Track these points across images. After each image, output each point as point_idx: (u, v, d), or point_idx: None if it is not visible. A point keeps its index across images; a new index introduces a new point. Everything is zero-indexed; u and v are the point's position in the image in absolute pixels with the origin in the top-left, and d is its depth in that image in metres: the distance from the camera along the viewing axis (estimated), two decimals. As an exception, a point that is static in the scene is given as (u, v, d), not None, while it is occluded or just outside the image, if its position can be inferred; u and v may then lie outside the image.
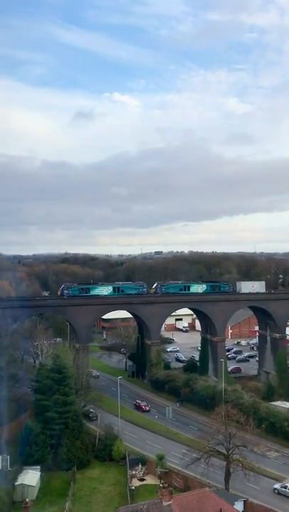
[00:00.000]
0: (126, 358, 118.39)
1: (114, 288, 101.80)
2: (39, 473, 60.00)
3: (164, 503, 34.97)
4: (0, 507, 46.28)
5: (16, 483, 56.36)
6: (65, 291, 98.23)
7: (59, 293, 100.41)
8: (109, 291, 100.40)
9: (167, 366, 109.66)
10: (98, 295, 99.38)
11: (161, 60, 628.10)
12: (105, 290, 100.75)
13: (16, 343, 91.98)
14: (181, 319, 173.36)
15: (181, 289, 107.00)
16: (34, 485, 56.95)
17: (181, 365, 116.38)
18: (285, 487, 56.62)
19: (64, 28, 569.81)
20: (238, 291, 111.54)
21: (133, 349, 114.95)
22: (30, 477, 58.00)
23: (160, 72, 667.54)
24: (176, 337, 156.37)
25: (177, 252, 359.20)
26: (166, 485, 37.31)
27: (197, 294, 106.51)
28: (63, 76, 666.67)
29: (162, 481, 48.22)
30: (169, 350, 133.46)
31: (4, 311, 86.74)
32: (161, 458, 61.37)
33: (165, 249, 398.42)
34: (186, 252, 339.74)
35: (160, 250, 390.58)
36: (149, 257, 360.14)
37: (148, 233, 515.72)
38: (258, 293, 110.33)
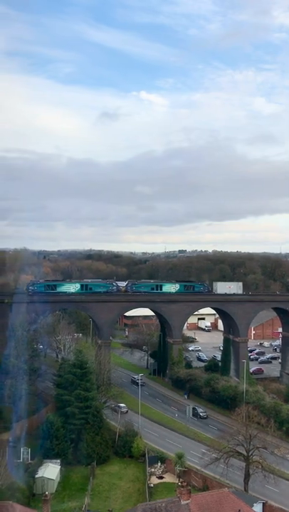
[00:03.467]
0: (147, 356, 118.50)
1: (82, 285, 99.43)
2: (59, 466, 60.57)
3: (183, 502, 34.88)
4: (21, 498, 46.82)
5: (37, 476, 57.01)
6: (30, 288, 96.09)
7: (25, 289, 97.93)
8: (77, 289, 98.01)
9: (189, 365, 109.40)
10: (65, 292, 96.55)
11: (189, 59, 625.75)
12: (72, 287, 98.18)
13: (39, 337, 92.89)
14: (203, 318, 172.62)
15: (152, 288, 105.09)
16: (54, 478, 57.51)
17: (202, 364, 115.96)
18: (306, 491, 56.01)
19: (94, 27, 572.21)
20: (213, 291, 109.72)
21: (155, 347, 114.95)
22: (51, 470, 58.57)
23: (188, 72, 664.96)
24: (198, 336, 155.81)
25: (201, 251, 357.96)
26: (185, 484, 37.16)
27: (170, 293, 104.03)
28: (92, 74, 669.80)
29: (181, 480, 48.06)
30: (190, 349, 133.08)
31: (28, 306, 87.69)
32: (180, 456, 61.30)
33: (189, 248, 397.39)
34: (210, 251, 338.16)
35: (184, 249, 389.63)
36: (172, 255, 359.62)
37: (172, 232, 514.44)
38: (234, 294, 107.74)
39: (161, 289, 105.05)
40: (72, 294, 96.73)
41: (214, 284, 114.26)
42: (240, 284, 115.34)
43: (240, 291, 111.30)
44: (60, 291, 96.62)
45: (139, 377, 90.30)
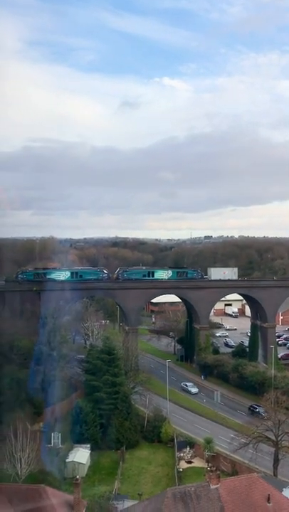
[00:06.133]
0: (174, 342, 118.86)
1: (72, 273, 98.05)
2: (89, 451, 61.57)
3: (212, 487, 35.05)
4: (52, 482, 47.80)
5: (67, 460, 58.06)
6: (19, 276, 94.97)
7: (14, 277, 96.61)
8: (67, 277, 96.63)
9: (216, 351, 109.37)
10: (54, 280, 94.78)
11: (212, 43, 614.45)
12: (62, 275, 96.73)
13: (67, 324, 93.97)
14: (230, 304, 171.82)
15: (144, 275, 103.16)
16: (84, 462, 58.52)
17: (230, 350, 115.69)
18: None
19: (115, 14, 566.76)
20: (207, 277, 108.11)
21: (182, 333, 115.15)
22: (81, 455, 59.60)
23: (210, 56, 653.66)
24: (225, 322, 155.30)
25: (227, 236, 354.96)
26: (214, 468, 37.36)
27: (162, 280, 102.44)
28: (113, 62, 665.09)
29: (210, 465, 48.39)
30: (217, 335, 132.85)
31: (56, 293, 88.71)
32: (209, 441, 61.66)
33: (214, 233, 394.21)
34: (236, 236, 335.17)
35: (210, 235, 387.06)
36: (198, 241, 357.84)
37: (196, 218, 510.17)
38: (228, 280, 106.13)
39: (153, 276, 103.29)
40: (62, 281, 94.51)
41: (208, 269, 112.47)
42: (236, 269, 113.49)
43: (234, 277, 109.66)
44: (49, 279, 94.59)
45: (191, 385, 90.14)
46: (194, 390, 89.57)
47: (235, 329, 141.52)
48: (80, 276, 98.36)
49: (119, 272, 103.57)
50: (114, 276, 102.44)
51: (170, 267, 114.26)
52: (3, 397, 61.49)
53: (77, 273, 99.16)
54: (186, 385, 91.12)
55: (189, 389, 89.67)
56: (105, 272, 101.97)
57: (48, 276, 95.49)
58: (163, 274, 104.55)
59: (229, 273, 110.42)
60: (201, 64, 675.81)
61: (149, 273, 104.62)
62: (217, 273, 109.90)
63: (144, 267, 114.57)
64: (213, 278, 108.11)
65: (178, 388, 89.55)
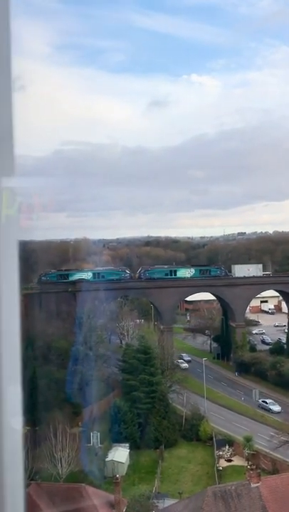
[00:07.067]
0: (210, 340, 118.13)
1: (94, 274, 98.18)
2: (128, 450, 61.81)
3: (253, 485, 34.74)
4: (93, 481, 48.27)
5: (107, 459, 58.42)
6: (42, 278, 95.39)
7: (37, 280, 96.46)
8: (90, 277, 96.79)
9: (253, 348, 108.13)
10: (78, 280, 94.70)
11: (241, 38, 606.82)
12: (85, 276, 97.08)
13: (103, 323, 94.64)
14: (266, 301, 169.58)
15: (166, 274, 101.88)
16: (124, 462, 58.75)
17: (267, 347, 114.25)
18: None
19: (141, 14, 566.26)
20: (232, 275, 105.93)
21: (217, 331, 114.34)
22: (120, 454, 59.88)
23: (240, 51, 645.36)
24: (262, 319, 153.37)
25: (261, 232, 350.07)
26: (255, 467, 37.02)
27: (184, 278, 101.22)
28: (142, 61, 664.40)
29: (250, 463, 47.93)
30: (254, 332, 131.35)
31: (92, 294, 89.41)
32: (248, 440, 61.05)
33: (247, 230, 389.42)
34: (270, 232, 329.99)
35: (243, 231, 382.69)
36: (231, 238, 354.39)
37: (228, 214, 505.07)
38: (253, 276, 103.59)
39: (175, 275, 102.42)
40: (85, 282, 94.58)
41: (232, 267, 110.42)
42: (260, 266, 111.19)
43: (259, 274, 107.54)
44: (72, 280, 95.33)
45: (272, 403, 77.53)
46: (276, 408, 76.11)
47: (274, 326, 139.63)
48: (102, 276, 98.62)
49: (140, 271, 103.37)
50: (136, 275, 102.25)
51: (192, 265, 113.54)
52: (42, 398, 62.38)
53: (99, 273, 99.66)
54: (266, 403, 77.86)
55: (270, 407, 76.78)
56: (127, 272, 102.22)
57: (70, 278, 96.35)
58: (185, 273, 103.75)
59: (254, 270, 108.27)
60: (230, 59, 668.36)
61: (171, 272, 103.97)
62: (241, 270, 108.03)
63: (165, 266, 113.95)
64: (237, 275, 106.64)
65: (216, 387, 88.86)
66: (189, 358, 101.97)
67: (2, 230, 1.99)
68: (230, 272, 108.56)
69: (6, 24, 2.02)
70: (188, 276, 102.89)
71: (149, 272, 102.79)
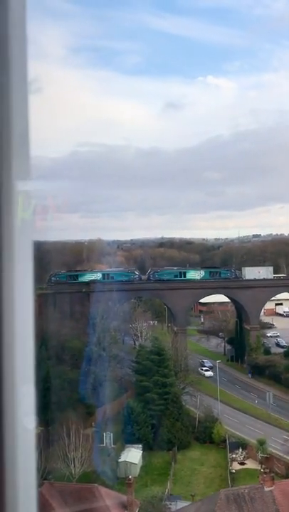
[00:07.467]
0: (224, 342, 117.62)
1: (103, 275, 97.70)
2: (141, 451, 61.76)
3: (266, 489, 34.53)
4: (105, 482, 48.36)
5: (119, 460, 58.45)
6: (52, 278, 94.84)
7: (47, 280, 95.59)
8: (99, 278, 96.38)
9: (267, 351, 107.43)
10: (91, 281, 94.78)
11: (256, 40, 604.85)
12: (94, 276, 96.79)
13: (117, 325, 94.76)
14: (281, 304, 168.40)
15: (176, 276, 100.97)
16: (136, 463, 58.71)
17: (281, 350, 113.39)
18: None
19: (157, 16, 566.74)
20: (242, 277, 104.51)
21: (231, 333, 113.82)
22: (133, 455, 59.86)
23: (255, 53, 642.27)
24: (276, 322, 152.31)
25: (276, 234, 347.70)
26: (268, 470, 36.78)
27: (194, 280, 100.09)
28: (157, 63, 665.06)
29: (264, 466, 47.60)
30: (268, 335, 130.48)
31: (106, 294, 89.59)
32: (262, 443, 60.68)
33: (263, 232, 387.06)
34: (286, 234, 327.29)
35: (258, 233, 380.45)
36: (246, 240, 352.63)
37: (243, 216, 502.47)
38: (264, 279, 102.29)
39: (185, 276, 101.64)
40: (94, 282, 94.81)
41: (243, 269, 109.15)
42: (271, 268, 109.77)
43: (270, 276, 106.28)
44: (81, 281, 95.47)
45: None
46: None
47: None
48: (112, 277, 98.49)
49: (150, 272, 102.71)
50: (145, 277, 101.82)
51: (202, 267, 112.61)
52: (55, 398, 62.64)
53: (108, 274, 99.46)
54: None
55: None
56: (136, 273, 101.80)
57: (80, 278, 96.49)
58: (195, 275, 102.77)
59: (264, 272, 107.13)
60: (246, 61, 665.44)
61: (180, 273, 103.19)
62: (251, 272, 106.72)
63: (175, 268, 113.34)
64: (247, 277, 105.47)
65: (229, 389, 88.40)
66: (211, 365, 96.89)
67: (17, 232, 2.01)
68: (240, 274, 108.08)
69: (22, 27, 2.04)
70: (198, 278, 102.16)
71: (158, 273, 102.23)
